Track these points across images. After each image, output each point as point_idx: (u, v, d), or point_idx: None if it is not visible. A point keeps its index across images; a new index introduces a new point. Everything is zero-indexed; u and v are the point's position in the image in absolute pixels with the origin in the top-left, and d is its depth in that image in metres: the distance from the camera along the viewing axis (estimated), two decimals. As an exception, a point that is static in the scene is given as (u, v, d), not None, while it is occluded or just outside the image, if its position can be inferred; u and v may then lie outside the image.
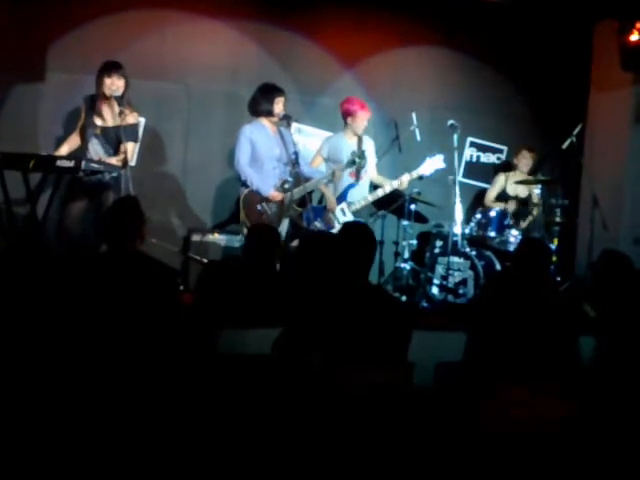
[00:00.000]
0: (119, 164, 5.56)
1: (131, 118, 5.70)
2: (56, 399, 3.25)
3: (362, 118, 6.33)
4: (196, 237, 6.36)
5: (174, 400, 3.31)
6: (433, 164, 6.27)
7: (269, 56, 7.03)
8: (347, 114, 6.36)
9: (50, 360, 3.38)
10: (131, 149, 5.72)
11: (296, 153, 5.83)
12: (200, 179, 6.98)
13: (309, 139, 7.03)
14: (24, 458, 3.10)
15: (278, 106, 5.96)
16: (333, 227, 6.23)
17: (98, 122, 5.72)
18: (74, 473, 3.10)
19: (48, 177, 5.57)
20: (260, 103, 5.99)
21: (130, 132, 5.67)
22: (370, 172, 6.50)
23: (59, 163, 5.30)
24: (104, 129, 5.71)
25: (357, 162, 6.15)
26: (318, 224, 6.20)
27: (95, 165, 5.46)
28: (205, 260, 6.10)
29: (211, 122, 6.95)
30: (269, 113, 5.97)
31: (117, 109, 5.64)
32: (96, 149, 5.70)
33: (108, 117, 5.73)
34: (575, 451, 3.31)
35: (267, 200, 5.95)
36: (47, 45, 6.55)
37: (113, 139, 5.69)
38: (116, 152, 5.68)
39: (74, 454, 3.12)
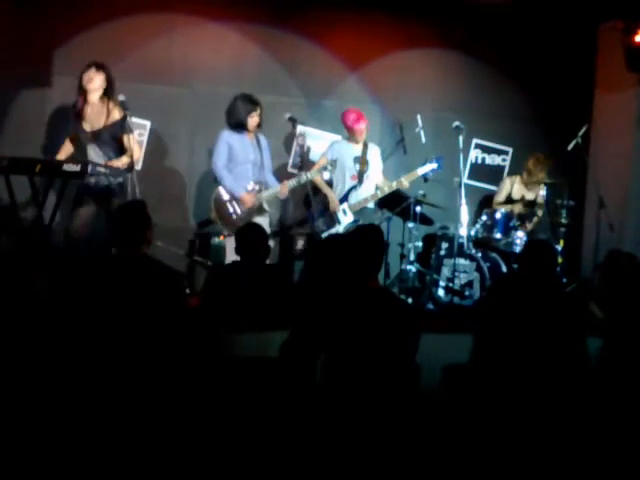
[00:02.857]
0: (124, 166, 5.58)
1: (117, 114, 5.69)
2: (62, 401, 3.26)
3: (358, 131, 6.48)
4: (202, 240, 6.39)
5: (181, 402, 3.32)
6: (430, 166, 6.40)
7: (274, 59, 7.05)
8: (345, 128, 6.54)
9: (57, 362, 3.39)
10: (135, 142, 5.73)
11: (301, 156, 5.95)
12: (206, 182, 6.99)
13: (314, 141, 7.05)
14: (30, 457, 3.12)
15: (253, 119, 6.07)
16: (334, 227, 6.37)
17: (87, 127, 5.74)
18: (79, 474, 3.11)
19: (54, 182, 5.58)
20: (235, 116, 6.09)
21: (126, 124, 5.63)
22: (374, 177, 6.57)
23: (65, 168, 5.32)
24: (95, 133, 5.72)
25: (329, 169, 6.34)
26: (320, 224, 6.35)
27: (101, 169, 5.48)
28: (210, 263, 6.13)
29: (216, 125, 6.95)
30: (244, 126, 6.08)
31: (102, 109, 5.65)
32: (96, 153, 5.71)
33: (94, 119, 5.74)
34: (581, 451, 3.31)
35: (238, 201, 6.08)
36: (54, 49, 6.58)
37: (107, 140, 5.70)
38: (115, 152, 5.68)
39: (80, 455, 3.13)
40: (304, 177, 6.14)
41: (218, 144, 6.14)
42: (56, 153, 5.92)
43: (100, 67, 5.72)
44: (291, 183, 6.17)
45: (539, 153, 6.94)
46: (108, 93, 5.73)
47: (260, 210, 6.18)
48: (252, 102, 6.10)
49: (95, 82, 5.70)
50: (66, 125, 6.08)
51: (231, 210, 6.10)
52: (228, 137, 6.13)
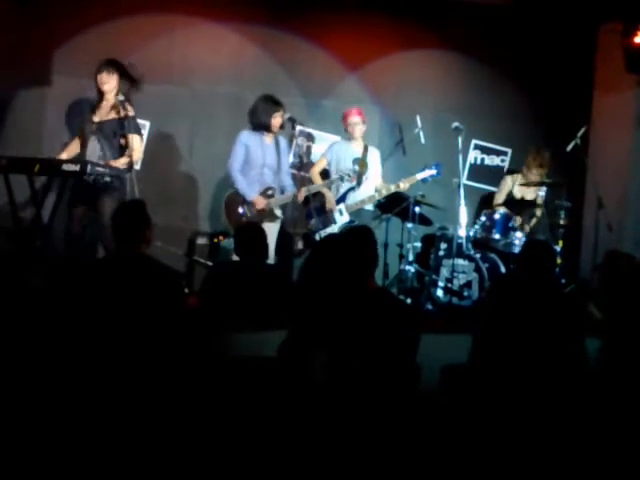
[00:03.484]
0: (125, 166, 5.58)
1: (130, 111, 5.68)
2: (61, 400, 3.26)
3: (351, 123, 6.47)
4: (201, 240, 6.40)
5: (179, 402, 3.32)
6: (429, 172, 6.42)
7: (274, 59, 7.06)
8: (344, 125, 6.55)
9: (56, 361, 3.39)
10: (138, 144, 5.73)
11: (300, 156, 5.95)
12: (205, 181, 7.01)
13: (313, 142, 7.06)
14: (28, 457, 3.12)
15: (276, 120, 6.06)
16: (329, 226, 6.37)
17: (95, 119, 5.74)
18: (77, 473, 3.11)
19: (53, 181, 5.58)
20: (258, 117, 6.07)
21: (132, 124, 5.67)
22: (373, 180, 6.58)
23: (64, 167, 5.32)
24: (100, 124, 5.72)
25: (345, 179, 6.34)
26: (316, 222, 6.35)
27: (100, 169, 5.47)
28: (210, 263, 6.13)
29: (216, 125, 6.98)
30: (267, 127, 6.06)
31: (113, 102, 5.67)
32: (93, 146, 5.69)
33: (104, 112, 5.75)
34: (580, 451, 3.31)
35: (249, 204, 6.04)
36: (53, 49, 6.60)
37: (109, 134, 5.68)
38: (115, 148, 5.67)
39: (78, 454, 3.13)
40: (314, 187, 6.27)
41: (235, 146, 6.09)
42: (55, 152, 5.92)
43: (113, 68, 5.73)
44: (307, 189, 6.19)
45: (542, 149, 6.93)
46: (125, 91, 5.74)
47: (271, 216, 6.13)
48: (275, 103, 6.09)
49: (110, 84, 5.72)
50: (67, 123, 6.10)
51: (242, 212, 6.05)
52: (246, 139, 6.08)
